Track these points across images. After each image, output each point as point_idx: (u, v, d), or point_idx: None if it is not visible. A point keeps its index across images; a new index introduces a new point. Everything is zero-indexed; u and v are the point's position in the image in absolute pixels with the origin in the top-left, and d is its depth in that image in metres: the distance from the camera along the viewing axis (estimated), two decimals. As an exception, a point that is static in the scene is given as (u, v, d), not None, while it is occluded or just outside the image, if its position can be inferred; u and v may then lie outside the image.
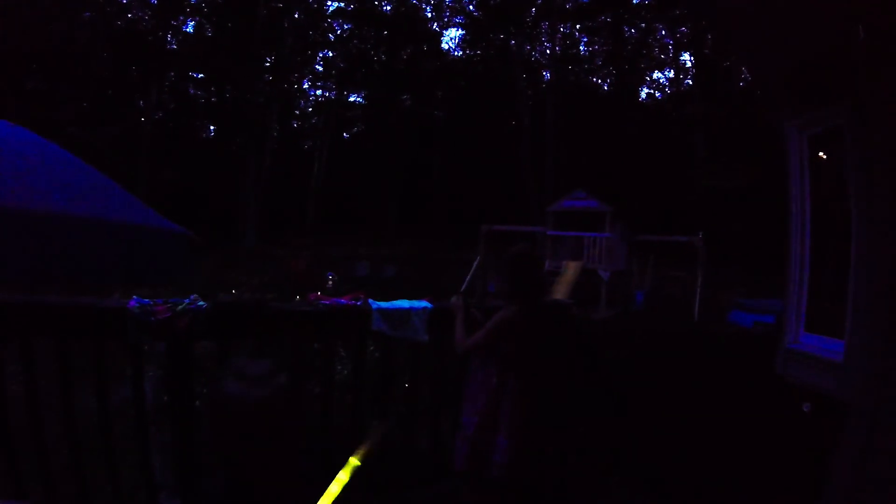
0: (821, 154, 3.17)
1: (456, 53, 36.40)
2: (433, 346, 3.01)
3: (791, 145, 3.25)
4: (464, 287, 17.04)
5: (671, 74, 32.74)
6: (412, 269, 21.13)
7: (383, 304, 2.90)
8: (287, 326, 2.75)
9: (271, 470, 1.34)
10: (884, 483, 2.24)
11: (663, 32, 31.70)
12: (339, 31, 33.98)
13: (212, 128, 33.27)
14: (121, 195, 2.07)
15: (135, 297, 2.50)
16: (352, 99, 35.89)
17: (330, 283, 13.62)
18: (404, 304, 2.96)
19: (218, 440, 1.31)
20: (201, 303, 2.54)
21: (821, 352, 3.03)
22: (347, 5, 32.79)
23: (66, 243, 1.76)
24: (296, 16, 30.59)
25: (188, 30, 30.74)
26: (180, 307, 2.51)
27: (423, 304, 2.99)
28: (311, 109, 36.33)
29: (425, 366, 3.19)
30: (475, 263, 18.44)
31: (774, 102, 3.42)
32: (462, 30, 35.51)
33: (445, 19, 34.96)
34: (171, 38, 29.87)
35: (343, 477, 1.39)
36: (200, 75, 31.27)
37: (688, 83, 31.01)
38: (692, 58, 30.45)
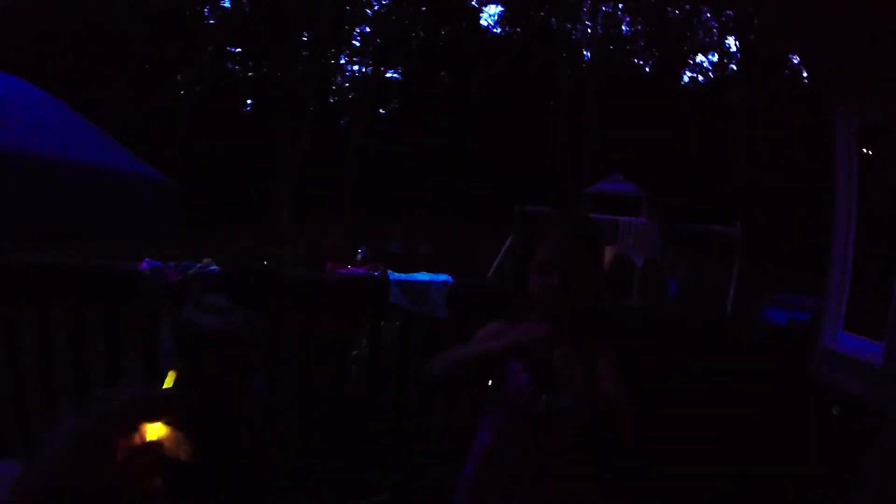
0: (870, 148, 3.02)
1: (495, 31, 35.87)
2: (453, 323, 2.95)
3: (839, 136, 3.10)
4: (493, 268, 17.00)
5: (715, 59, 31.79)
6: (445, 246, 21.16)
7: (402, 277, 2.85)
8: (301, 295, 2.74)
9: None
10: None
11: (708, 15, 30.73)
12: (376, 7, 33.80)
13: (248, 102, 33.59)
14: (96, 137, 2.04)
15: (147, 259, 2.52)
16: (389, 75, 35.78)
17: (359, 257, 13.66)
18: (424, 276, 2.90)
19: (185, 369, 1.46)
20: (214, 267, 2.54)
21: (858, 353, 2.94)
22: (386, -20, 32.61)
23: (25, 185, 1.73)
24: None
25: (226, 4, 30.91)
26: (191, 271, 2.51)
27: (444, 277, 2.92)
28: (347, 85, 36.35)
29: (445, 344, 3.15)
30: (506, 244, 18.34)
31: (826, 87, 3.27)
32: (502, 6, 34.93)
33: (486, -4, 34.47)
34: (209, 12, 30.07)
35: None
36: (238, 49, 31.50)
37: (732, 69, 30.08)
38: (737, 42, 29.46)
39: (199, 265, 2.61)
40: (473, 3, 34.46)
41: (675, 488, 3.36)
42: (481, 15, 36.42)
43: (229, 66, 32.02)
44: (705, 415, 3.47)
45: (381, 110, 37.08)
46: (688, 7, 30.96)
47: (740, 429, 3.26)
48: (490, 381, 1.65)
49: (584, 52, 32.97)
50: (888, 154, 2.88)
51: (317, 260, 14.26)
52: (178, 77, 28.89)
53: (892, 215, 2.81)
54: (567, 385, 1.39)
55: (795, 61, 23.65)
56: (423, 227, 24.30)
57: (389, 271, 2.94)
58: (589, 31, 32.21)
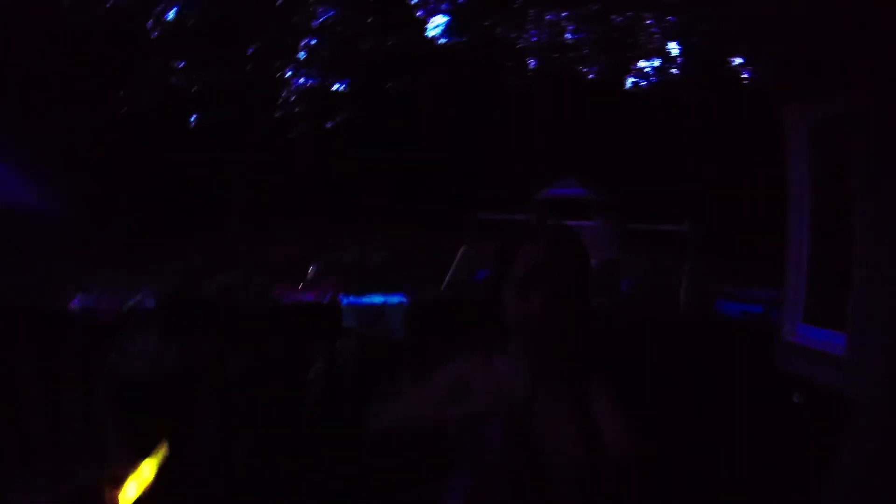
0: (822, 142, 3.03)
1: (442, 41, 36.02)
2: (410, 344, 2.81)
3: (791, 132, 3.12)
4: (447, 279, 16.89)
5: (658, 63, 32.64)
6: (399, 255, 20.97)
7: (354, 300, 2.70)
8: (247, 326, 2.54)
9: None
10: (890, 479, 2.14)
11: (650, 21, 31.53)
12: (322, 19, 33.51)
13: (194, 117, 32.81)
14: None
15: (79, 294, 2.29)
16: (336, 87, 35.46)
17: (311, 273, 13.33)
18: (377, 299, 2.75)
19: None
20: (150, 300, 2.33)
21: (820, 344, 2.96)
22: (332, -9, 32.33)
23: None
24: (278, 2, 30.11)
25: (169, 17, 30.15)
26: (126, 305, 2.29)
27: (398, 298, 2.79)
28: (294, 98, 35.90)
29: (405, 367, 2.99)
30: (460, 252, 18.28)
31: (775, 88, 3.28)
32: (448, 16, 35.10)
33: (431, 6, 34.58)
34: (152, 25, 29.28)
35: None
36: (182, 64, 30.73)
37: (674, 72, 30.95)
38: (680, 46, 30.36)
39: (133, 299, 2.38)
40: (420, 13, 34.52)
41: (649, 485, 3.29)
42: (427, 25, 36.45)
43: (174, 80, 31.17)
44: (672, 410, 3.43)
45: (329, 122, 36.71)
46: (630, 14, 31.72)
47: (705, 421, 3.24)
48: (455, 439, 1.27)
49: (530, 60, 33.41)
50: (839, 149, 2.89)
51: (268, 274, 13.91)
52: (121, 92, 27.96)
53: (845, 209, 2.81)
54: (555, 450, 1.15)
55: (736, 63, 24.54)
56: (377, 237, 24.06)
57: (341, 294, 2.77)
58: (534, 39, 32.66)
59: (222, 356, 2.52)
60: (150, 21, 28.58)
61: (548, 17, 32.41)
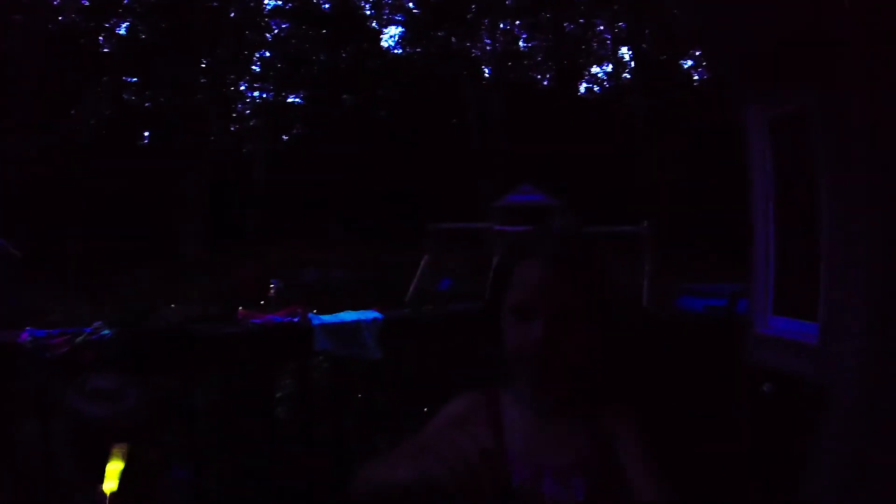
0: (783, 136, 3.08)
1: (397, 52, 36.09)
2: (389, 363, 2.69)
3: (752, 128, 3.17)
4: (411, 292, 16.77)
5: (610, 69, 33.37)
6: (360, 271, 20.72)
7: (326, 319, 2.55)
8: (212, 354, 2.38)
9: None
10: (875, 467, 2.16)
11: (602, 28, 32.23)
12: (276, 31, 33.18)
13: (146, 134, 32.01)
14: None
15: (28, 328, 2.12)
16: (291, 100, 35.15)
17: (272, 291, 12.94)
18: (350, 316, 2.61)
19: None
20: (106, 332, 2.17)
21: (792, 335, 2.99)
22: (286, 4, 32.04)
23: None
24: (231, 15, 29.67)
25: (121, 32, 29.40)
26: (80, 339, 2.14)
27: (373, 314, 2.66)
28: (248, 112, 35.38)
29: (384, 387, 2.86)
30: (422, 262, 18.19)
31: (734, 86, 3.35)
32: (402, 27, 35.21)
33: (385, 17, 34.62)
34: (104, 40, 28.53)
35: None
36: (134, 79, 30.01)
37: (626, 77, 31.67)
38: (631, 52, 31.09)
39: (88, 329, 2.21)
40: (374, 24, 34.53)
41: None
42: (382, 36, 36.43)
43: (125, 96, 30.38)
44: (643, 408, 3.42)
45: (284, 136, 36.31)
46: (582, 21, 32.35)
47: (676, 414, 3.24)
48: None
49: (485, 69, 33.77)
50: (800, 142, 2.94)
51: (227, 297, 13.54)
52: (72, 111, 27.07)
53: (808, 202, 2.86)
54: None
55: (687, 65, 25.28)
56: (336, 253, 23.76)
57: (311, 314, 2.59)
58: (488, 47, 32.99)
59: (188, 388, 2.35)
60: (102, 36, 27.87)
61: (501, 26, 32.81)
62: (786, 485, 2.67)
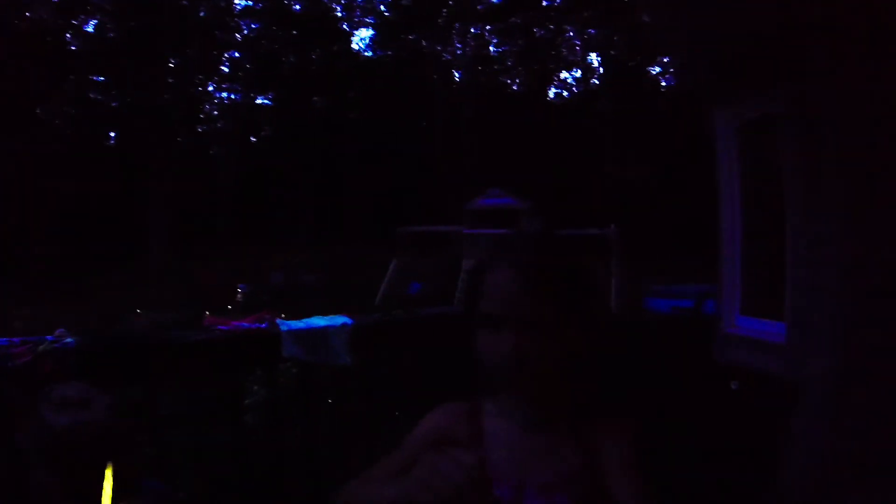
0: (750, 139, 3.14)
1: (367, 54, 35.95)
2: (360, 368, 2.65)
3: (720, 132, 3.21)
4: (379, 295, 16.69)
5: (579, 74, 33.77)
6: (330, 275, 20.57)
7: (294, 325, 2.49)
8: (179, 362, 2.31)
9: None
10: (843, 461, 2.21)
11: (572, 34, 32.57)
12: (246, 32, 32.76)
13: (112, 135, 31.30)
14: None
15: None
16: (260, 101, 34.74)
17: (240, 296, 12.68)
18: (320, 321, 2.56)
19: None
20: (69, 340, 2.09)
21: (759, 334, 3.03)
22: (256, 4, 31.65)
23: None
24: (201, 14, 29.21)
25: (89, 30, 28.69)
26: (42, 347, 2.05)
27: (342, 319, 2.60)
28: (216, 113, 34.84)
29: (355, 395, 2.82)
30: (391, 266, 18.14)
31: (703, 90, 3.40)
32: (373, 30, 35.10)
33: (356, 19, 34.47)
34: (72, 38, 27.83)
35: None
36: (102, 79, 29.31)
37: (595, 82, 32.07)
38: (599, 58, 31.51)
39: (51, 337, 2.11)
40: (345, 26, 34.33)
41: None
42: (353, 38, 36.26)
43: (92, 95, 29.62)
44: (616, 408, 3.44)
45: (252, 137, 35.87)
46: (552, 27, 32.65)
47: (648, 413, 3.26)
48: None
49: (456, 73, 33.87)
50: (767, 145, 3.00)
51: (195, 302, 13.30)
52: (38, 110, 26.29)
53: (775, 204, 2.92)
54: None
55: (655, 71, 25.70)
56: (304, 256, 23.54)
57: (279, 319, 2.52)
58: (459, 52, 33.09)
59: (155, 397, 2.27)
60: (69, 34, 27.16)
61: (472, 31, 32.94)
62: (755, 480, 2.71)
